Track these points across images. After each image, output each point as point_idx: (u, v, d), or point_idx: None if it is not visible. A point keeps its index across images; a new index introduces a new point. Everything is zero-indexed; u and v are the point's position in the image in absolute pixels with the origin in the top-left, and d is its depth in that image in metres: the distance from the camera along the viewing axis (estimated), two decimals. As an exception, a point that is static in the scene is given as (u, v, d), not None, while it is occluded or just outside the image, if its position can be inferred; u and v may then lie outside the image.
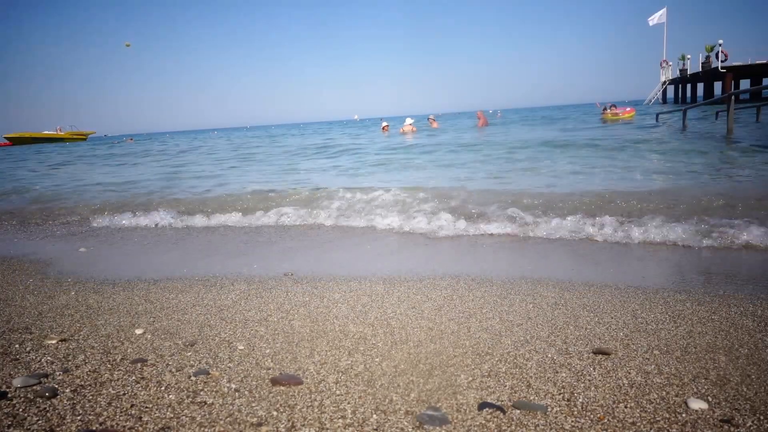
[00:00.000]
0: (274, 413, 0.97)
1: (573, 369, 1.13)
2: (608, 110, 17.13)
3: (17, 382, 1.10)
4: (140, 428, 0.92)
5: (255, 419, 0.95)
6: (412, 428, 0.91)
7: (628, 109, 17.68)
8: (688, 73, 27.79)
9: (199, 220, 3.68)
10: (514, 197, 3.66)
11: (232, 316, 1.58)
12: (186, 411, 0.98)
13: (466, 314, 1.53)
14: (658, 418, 0.92)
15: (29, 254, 2.76)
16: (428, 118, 18.90)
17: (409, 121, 17.30)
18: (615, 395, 1.01)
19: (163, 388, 1.08)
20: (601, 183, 4.23)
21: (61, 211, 4.56)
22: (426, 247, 2.61)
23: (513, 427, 0.91)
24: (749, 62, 23.14)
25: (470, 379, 1.10)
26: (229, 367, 1.18)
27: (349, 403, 1.01)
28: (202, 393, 1.06)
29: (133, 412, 0.98)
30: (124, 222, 3.82)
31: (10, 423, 0.93)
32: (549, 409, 0.96)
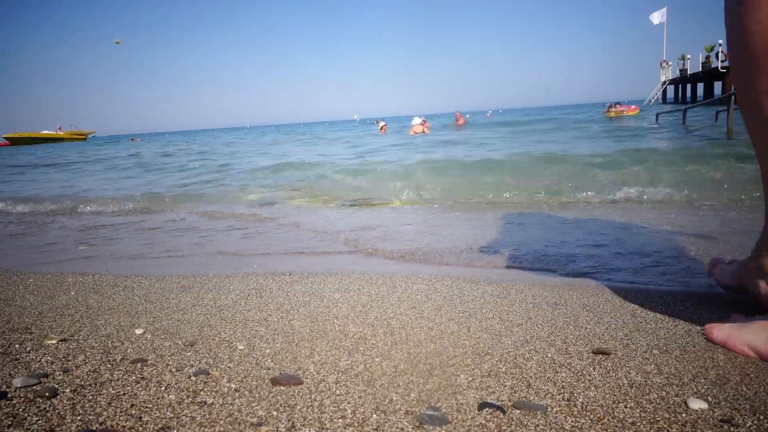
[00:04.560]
0: (274, 413, 0.97)
1: (573, 369, 1.13)
2: (612, 108, 17.99)
3: (17, 382, 1.10)
4: (140, 428, 0.92)
5: (255, 419, 0.95)
6: (412, 428, 0.91)
7: (632, 106, 18.28)
8: (688, 73, 27.78)
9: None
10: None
11: (232, 316, 1.58)
12: (186, 411, 0.98)
13: (466, 314, 1.53)
14: (657, 418, 0.92)
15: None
16: (413, 122, 20.09)
17: (417, 120, 17.96)
18: (615, 395, 1.01)
19: (163, 388, 1.08)
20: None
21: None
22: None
23: (513, 427, 0.91)
24: (749, 62, 23.05)
25: (470, 379, 1.10)
26: (229, 367, 1.19)
27: (349, 403, 1.01)
28: (202, 393, 1.06)
29: (133, 412, 0.98)
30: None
31: (10, 423, 0.93)
32: (549, 409, 0.96)
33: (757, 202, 3.43)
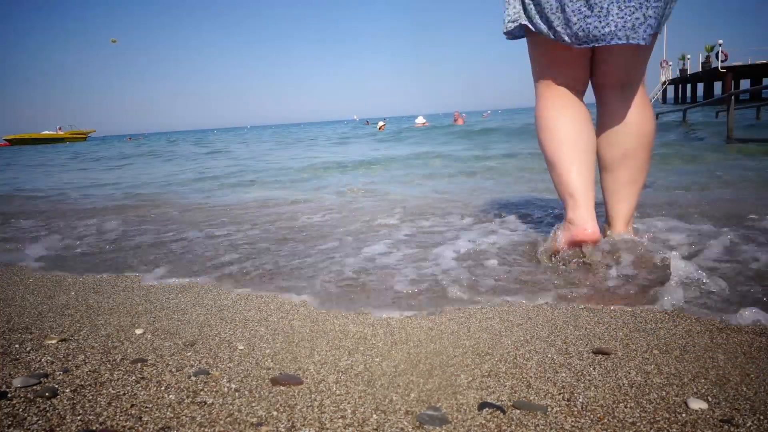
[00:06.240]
0: (274, 413, 0.97)
1: (573, 369, 1.13)
2: None
3: (17, 382, 1.10)
4: (140, 428, 0.92)
5: (255, 419, 0.95)
6: (412, 428, 0.91)
7: None
8: (688, 73, 27.75)
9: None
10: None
11: (232, 316, 1.58)
12: (186, 411, 0.98)
13: (466, 314, 1.53)
14: (658, 418, 0.92)
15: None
16: (416, 120, 23.56)
17: (421, 119, 20.58)
18: (615, 395, 1.01)
19: (163, 388, 1.08)
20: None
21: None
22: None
23: (513, 427, 0.91)
24: (749, 62, 23.10)
25: (470, 379, 1.10)
26: (229, 367, 1.19)
27: (349, 403, 1.01)
28: (202, 393, 1.06)
29: (133, 412, 0.98)
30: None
31: (10, 423, 0.93)
32: (549, 409, 0.96)
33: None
